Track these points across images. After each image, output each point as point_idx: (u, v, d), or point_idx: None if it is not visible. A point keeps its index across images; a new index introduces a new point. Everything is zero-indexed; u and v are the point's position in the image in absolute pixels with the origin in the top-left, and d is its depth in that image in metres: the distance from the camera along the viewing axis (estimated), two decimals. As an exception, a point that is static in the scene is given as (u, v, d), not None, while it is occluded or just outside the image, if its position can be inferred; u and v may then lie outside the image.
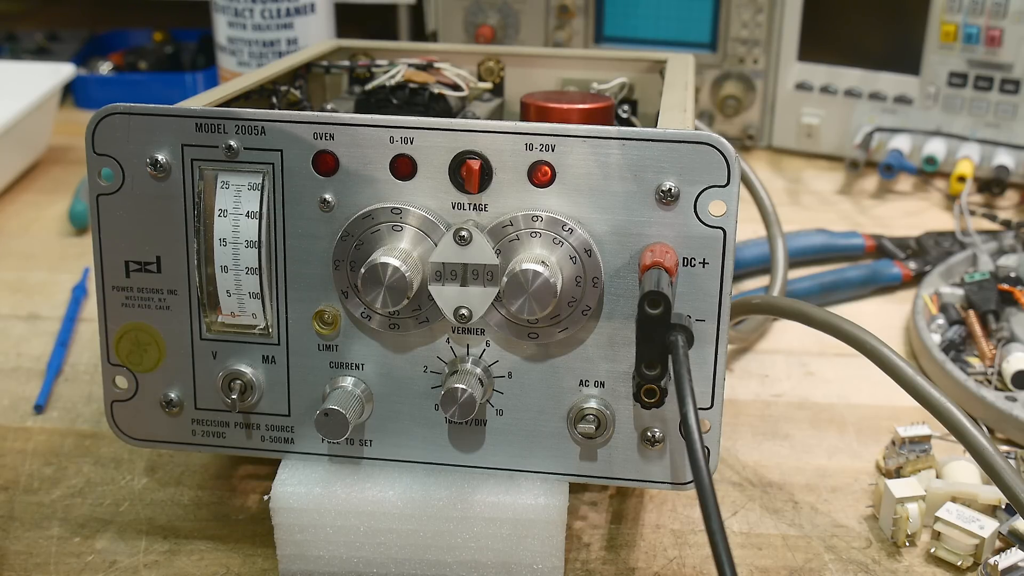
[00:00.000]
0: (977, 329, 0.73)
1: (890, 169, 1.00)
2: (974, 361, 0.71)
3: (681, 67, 0.68)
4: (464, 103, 0.70)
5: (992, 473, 0.50)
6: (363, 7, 1.31)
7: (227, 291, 0.52)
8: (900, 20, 1.03)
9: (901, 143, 1.01)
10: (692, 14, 1.09)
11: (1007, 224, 0.91)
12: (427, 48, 0.75)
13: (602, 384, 0.52)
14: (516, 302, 0.48)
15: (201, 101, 0.56)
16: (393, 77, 0.68)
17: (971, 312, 0.75)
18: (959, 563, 0.55)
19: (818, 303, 0.79)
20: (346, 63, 0.72)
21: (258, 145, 0.51)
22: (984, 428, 0.66)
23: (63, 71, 1.08)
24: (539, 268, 0.47)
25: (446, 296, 0.49)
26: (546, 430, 0.53)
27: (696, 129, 0.49)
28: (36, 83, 1.04)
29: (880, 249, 0.89)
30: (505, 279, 0.48)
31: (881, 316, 0.81)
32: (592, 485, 0.61)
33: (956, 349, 0.73)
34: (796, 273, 0.85)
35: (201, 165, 0.51)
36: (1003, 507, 0.58)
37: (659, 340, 0.46)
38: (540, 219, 0.49)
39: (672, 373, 0.46)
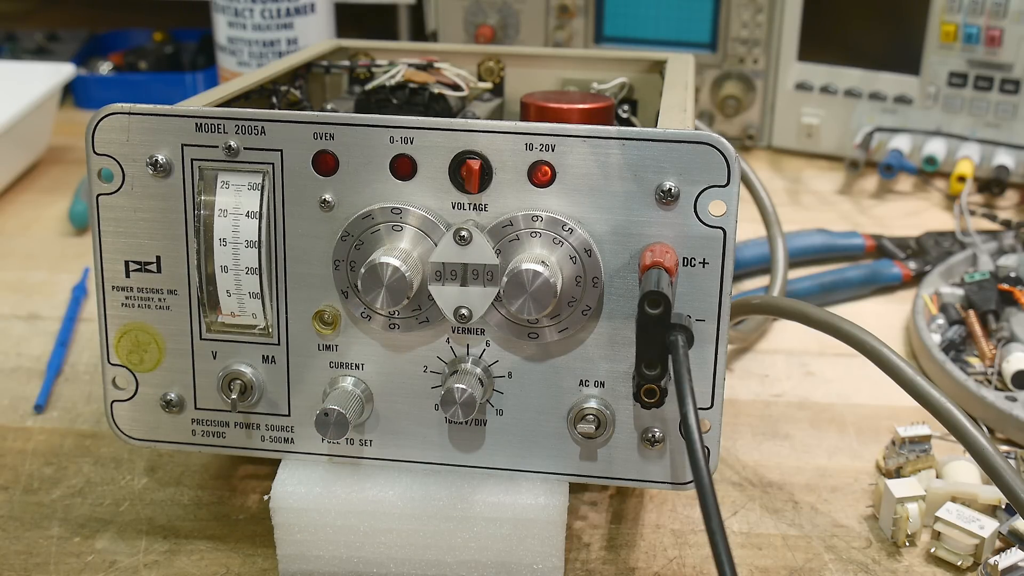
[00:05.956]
0: (977, 329, 0.73)
1: (890, 169, 1.00)
2: (974, 361, 0.71)
3: (681, 67, 0.68)
4: (464, 103, 0.70)
5: (992, 473, 0.50)
6: (363, 7, 1.31)
7: (227, 291, 0.52)
8: (900, 20, 1.03)
9: (901, 143, 1.01)
10: (692, 14, 1.09)
11: (1007, 224, 0.91)
12: (427, 48, 0.75)
13: (602, 384, 0.52)
14: (516, 302, 0.48)
15: (201, 101, 0.56)
16: (393, 77, 0.68)
17: (971, 312, 0.75)
18: (959, 563, 0.55)
19: (818, 303, 0.79)
20: (346, 63, 0.72)
21: (258, 145, 0.51)
22: (984, 428, 0.66)
23: (63, 71, 1.07)
24: (539, 268, 0.47)
25: (446, 296, 0.49)
26: (546, 430, 0.53)
27: (696, 129, 0.49)
28: (36, 83, 1.04)
29: (880, 249, 0.89)
30: (505, 279, 0.48)
31: (881, 316, 0.81)
32: (592, 485, 0.61)
33: (956, 349, 0.73)
34: (796, 273, 0.85)
35: (201, 165, 0.51)
36: (1003, 507, 0.58)
37: (659, 340, 0.46)
38: (540, 219, 0.49)
39: (672, 373, 0.46)
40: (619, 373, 0.51)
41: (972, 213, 0.94)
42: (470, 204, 0.50)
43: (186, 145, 0.51)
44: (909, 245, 0.88)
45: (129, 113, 0.51)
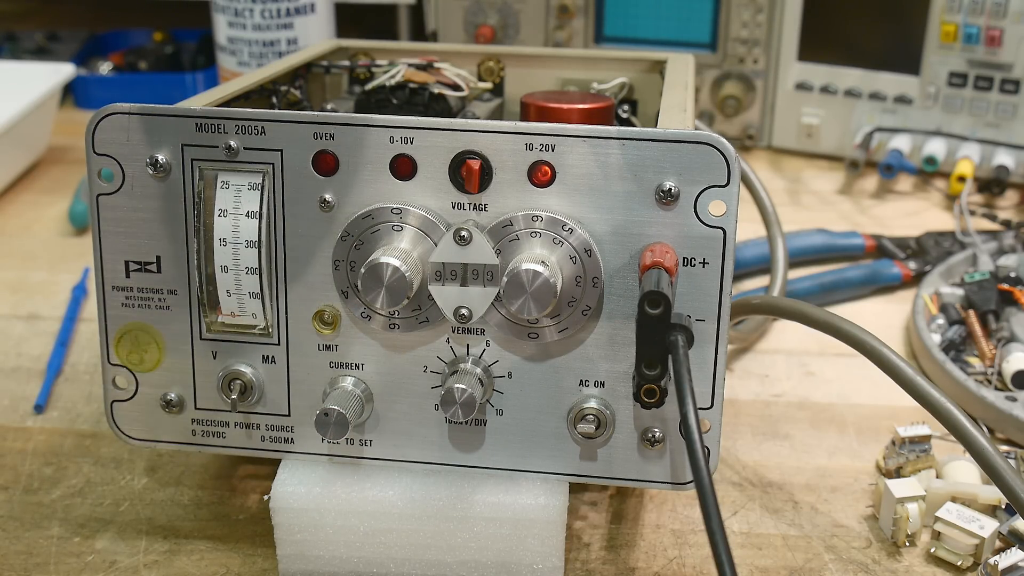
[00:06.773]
0: (977, 329, 0.73)
1: (890, 169, 1.00)
2: (974, 361, 0.71)
3: (681, 67, 0.68)
4: (464, 103, 0.70)
5: (992, 473, 0.50)
6: (363, 7, 1.31)
7: (227, 291, 0.52)
8: (900, 20, 1.03)
9: (901, 143, 1.01)
10: (692, 14, 1.09)
11: (1007, 224, 0.91)
12: (427, 48, 0.75)
13: (602, 384, 0.52)
14: (516, 302, 0.48)
15: (201, 101, 0.56)
16: (393, 77, 0.68)
17: (971, 312, 0.75)
18: (959, 563, 0.55)
19: (818, 303, 0.79)
20: (346, 63, 0.72)
21: (258, 145, 0.51)
22: (984, 428, 0.66)
23: (63, 71, 1.07)
24: (539, 268, 0.47)
25: (446, 296, 0.49)
26: (546, 430, 0.53)
27: (696, 129, 0.49)
28: (36, 83, 1.04)
29: (880, 249, 0.89)
30: (505, 279, 0.48)
31: (881, 316, 0.81)
32: (592, 485, 0.61)
33: (956, 349, 0.72)
34: (796, 273, 0.85)
35: (201, 165, 0.51)
36: (1003, 507, 0.58)
37: (659, 340, 0.46)
38: (540, 219, 0.49)
39: (672, 373, 0.46)
40: (619, 373, 0.51)
41: (972, 213, 0.94)
42: (470, 204, 0.50)
43: (186, 145, 0.51)
44: (909, 245, 0.88)
45: (129, 113, 0.51)
